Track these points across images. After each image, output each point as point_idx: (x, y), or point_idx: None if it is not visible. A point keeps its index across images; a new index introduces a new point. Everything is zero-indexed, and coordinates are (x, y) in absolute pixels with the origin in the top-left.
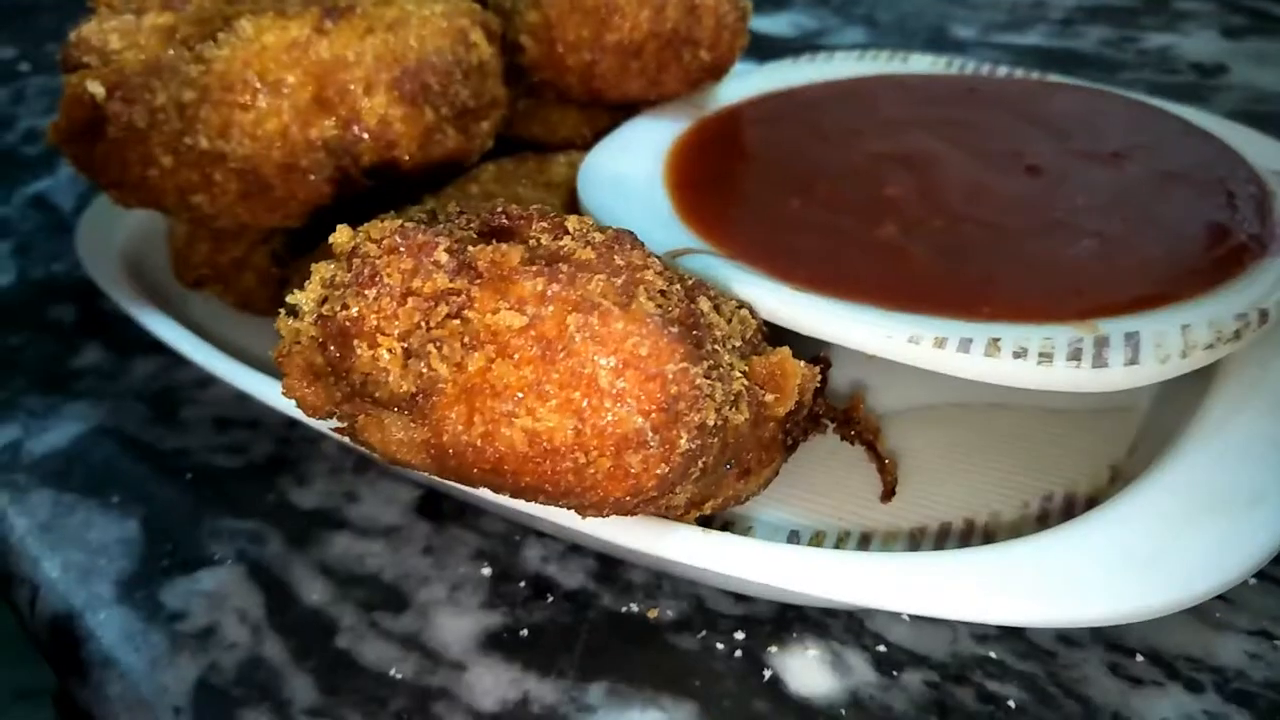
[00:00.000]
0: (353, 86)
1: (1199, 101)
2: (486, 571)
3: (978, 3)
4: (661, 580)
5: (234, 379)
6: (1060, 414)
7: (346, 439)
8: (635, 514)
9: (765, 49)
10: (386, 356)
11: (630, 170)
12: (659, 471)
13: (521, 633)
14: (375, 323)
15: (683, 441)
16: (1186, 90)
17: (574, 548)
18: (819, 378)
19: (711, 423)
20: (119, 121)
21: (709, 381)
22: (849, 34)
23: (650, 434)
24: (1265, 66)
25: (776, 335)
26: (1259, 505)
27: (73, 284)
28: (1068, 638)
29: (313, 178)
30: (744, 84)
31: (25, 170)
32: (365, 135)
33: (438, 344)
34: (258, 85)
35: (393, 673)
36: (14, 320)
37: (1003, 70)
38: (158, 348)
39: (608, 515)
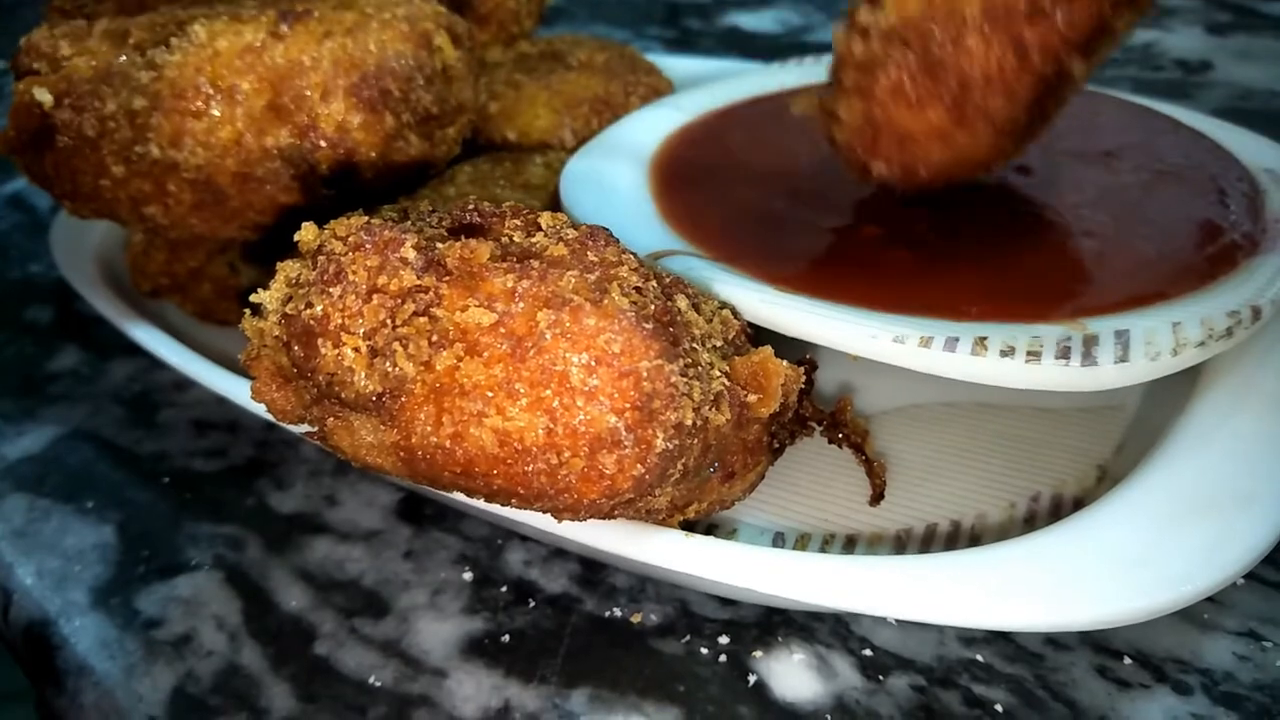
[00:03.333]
0: (309, 93)
1: (1183, 98)
2: (468, 576)
3: None
4: (645, 584)
5: (211, 382)
6: (1048, 413)
7: (319, 443)
8: (613, 517)
9: (750, 45)
10: (351, 355)
11: (614, 173)
12: (634, 472)
13: (503, 638)
14: (340, 321)
15: (659, 441)
16: (1171, 86)
17: (557, 551)
18: (804, 379)
19: (689, 422)
20: (68, 130)
21: (685, 380)
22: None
23: (624, 433)
24: (1249, 63)
25: (762, 338)
26: (1247, 506)
27: (50, 285)
28: (1055, 640)
29: (269, 187)
30: (729, 88)
31: (2, 169)
32: (323, 143)
33: (404, 342)
34: (210, 92)
35: (372, 680)
36: None
37: None
38: (136, 349)
39: (583, 519)
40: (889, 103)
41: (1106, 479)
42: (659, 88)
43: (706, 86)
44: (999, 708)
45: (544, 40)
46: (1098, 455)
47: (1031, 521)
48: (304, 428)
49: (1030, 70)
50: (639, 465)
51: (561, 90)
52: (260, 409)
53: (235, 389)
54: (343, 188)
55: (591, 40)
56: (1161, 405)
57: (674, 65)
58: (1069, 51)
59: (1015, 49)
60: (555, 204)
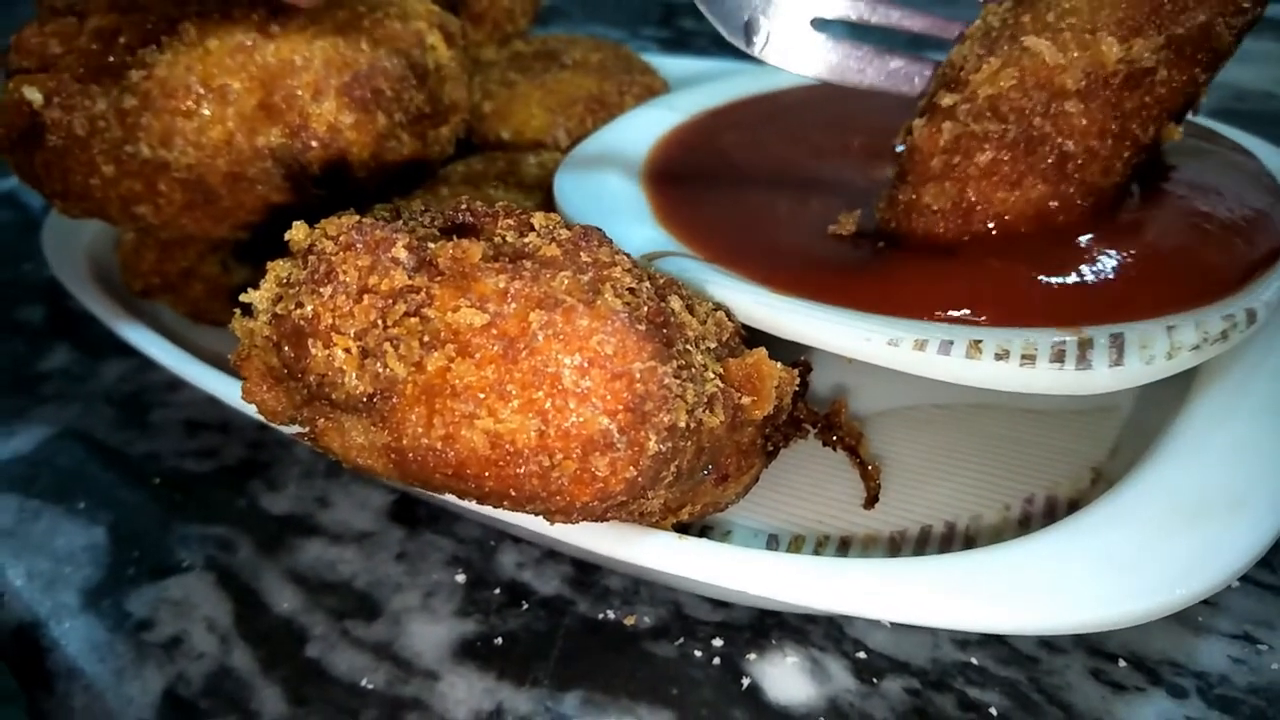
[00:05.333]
0: (301, 92)
1: None
2: (460, 578)
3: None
4: (639, 586)
5: (202, 382)
6: (1042, 415)
7: (310, 444)
8: (605, 520)
9: None
10: (342, 356)
11: (608, 173)
12: (627, 475)
13: (496, 641)
14: (330, 321)
15: (652, 443)
16: None
17: (550, 553)
18: (798, 381)
19: (683, 424)
20: (58, 129)
21: (679, 381)
22: (831, 27)
23: (617, 435)
24: (1245, 64)
25: (758, 340)
26: (1241, 509)
27: (42, 284)
28: (1050, 643)
29: (260, 187)
30: (723, 88)
31: None
32: (314, 143)
33: (395, 343)
34: (201, 91)
35: (364, 683)
36: None
37: None
38: (128, 349)
39: (576, 521)
40: (984, 181)
41: (1101, 481)
42: (653, 87)
43: (701, 86)
44: (993, 711)
45: (538, 39)
46: (1092, 457)
47: (1026, 524)
48: (295, 429)
49: (1129, 138)
50: (631, 468)
51: (556, 90)
52: (251, 409)
53: (226, 389)
54: (335, 188)
55: (586, 39)
56: (1156, 407)
57: (669, 65)
58: (1165, 117)
59: (1115, 117)
60: (549, 204)
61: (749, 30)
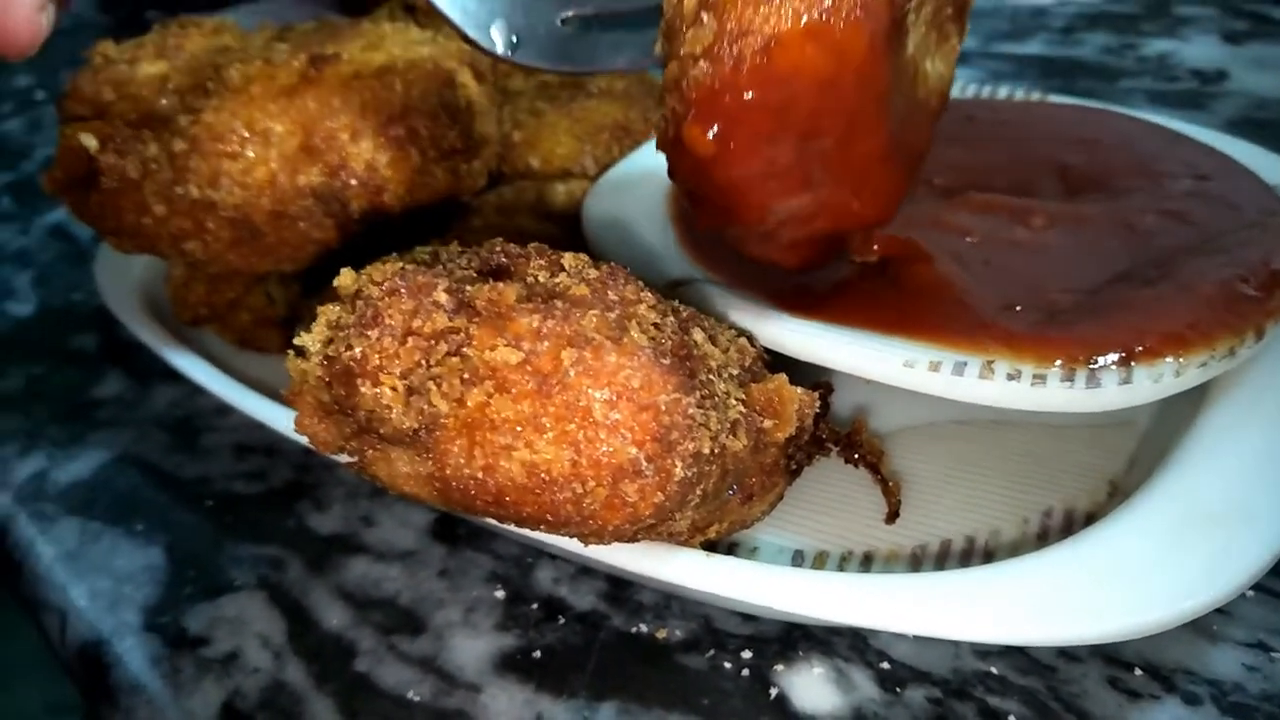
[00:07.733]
0: (339, 134)
1: (1199, 109)
2: (500, 594)
3: (978, 12)
4: (670, 601)
5: (249, 408)
6: (1060, 429)
7: (358, 473)
8: (636, 541)
9: None
10: (389, 394)
11: (633, 202)
12: (655, 500)
13: (534, 654)
14: (378, 362)
15: (678, 470)
16: (1186, 97)
17: (585, 569)
18: (819, 402)
19: (707, 450)
20: (112, 173)
21: (703, 410)
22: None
23: (645, 463)
24: (1265, 72)
25: (782, 363)
26: (1254, 519)
27: (93, 313)
28: (1067, 652)
29: (302, 224)
30: None
31: (44, 199)
32: (353, 181)
33: (438, 381)
34: (246, 134)
35: (411, 695)
36: (36, 350)
37: (1003, 91)
38: (178, 375)
39: (608, 543)
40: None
41: (1118, 494)
42: None
43: None
44: (1012, 718)
45: None
46: (1109, 471)
47: (1044, 537)
48: (344, 458)
49: None
50: (659, 493)
51: (582, 118)
52: (303, 440)
53: (273, 415)
54: (372, 222)
55: None
56: (1173, 421)
57: None
58: None
59: None
60: (577, 230)
61: (497, 32)
